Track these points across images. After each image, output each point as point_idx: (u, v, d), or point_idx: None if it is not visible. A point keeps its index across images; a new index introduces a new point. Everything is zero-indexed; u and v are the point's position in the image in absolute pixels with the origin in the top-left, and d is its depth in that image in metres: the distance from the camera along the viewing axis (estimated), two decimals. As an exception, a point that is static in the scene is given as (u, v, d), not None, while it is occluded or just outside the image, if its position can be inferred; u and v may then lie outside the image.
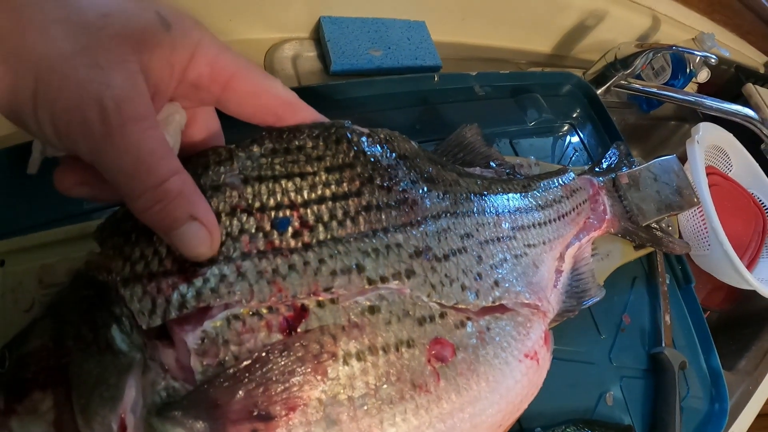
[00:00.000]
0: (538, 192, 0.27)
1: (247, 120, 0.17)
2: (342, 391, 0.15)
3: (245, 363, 0.14)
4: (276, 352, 0.14)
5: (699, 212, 0.44)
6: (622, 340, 0.32)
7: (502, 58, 0.45)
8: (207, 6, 0.33)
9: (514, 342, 0.20)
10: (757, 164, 0.52)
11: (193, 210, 0.14)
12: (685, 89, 0.49)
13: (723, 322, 0.54)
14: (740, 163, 0.52)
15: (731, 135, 0.48)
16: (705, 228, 0.44)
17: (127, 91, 0.12)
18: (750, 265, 0.49)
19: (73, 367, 0.14)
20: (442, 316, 0.18)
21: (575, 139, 0.40)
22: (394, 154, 0.19)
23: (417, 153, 0.21)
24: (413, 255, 0.18)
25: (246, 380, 0.14)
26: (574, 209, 0.29)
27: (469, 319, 0.19)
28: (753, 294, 0.45)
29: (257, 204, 0.16)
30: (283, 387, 0.14)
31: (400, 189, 0.19)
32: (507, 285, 0.21)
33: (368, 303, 0.16)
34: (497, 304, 0.20)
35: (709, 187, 0.48)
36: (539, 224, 0.26)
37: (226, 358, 0.14)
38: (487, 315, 0.20)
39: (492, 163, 0.28)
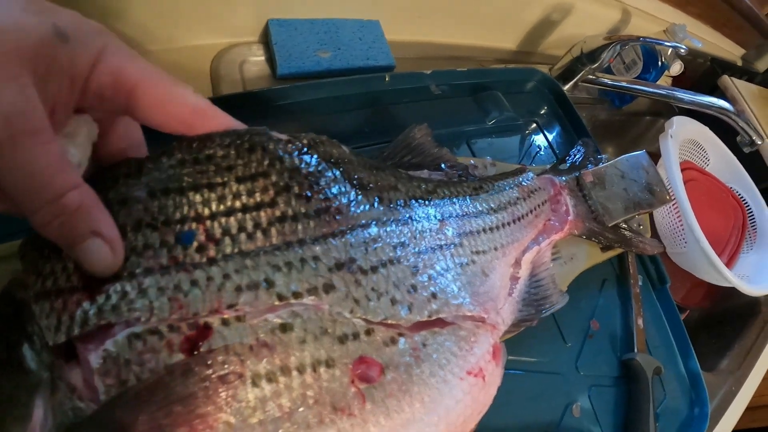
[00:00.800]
0: (491, 194, 0.28)
1: (158, 129, 0.17)
2: (253, 414, 0.15)
3: (146, 384, 0.14)
4: (177, 373, 0.14)
5: (674, 209, 0.45)
6: (591, 347, 0.32)
7: (465, 56, 0.46)
8: (151, 12, 0.33)
9: (454, 359, 0.19)
10: (735, 158, 0.53)
11: (95, 225, 0.14)
12: (657, 82, 0.50)
13: (704, 320, 0.55)
14: (718, 157, 0.53)
15: (707, 128, 0.49)
16: (681, 225, 0.44)
17: (18, 106, 0.12)
18: (730, 262, 0.50)
19: None
20: (368, 333, 0.18)
21: (540, 137, 0.40)
22: (316, 161, 0.19)
23: (347, 158, 0.21)
24: (333, 268, 0.17)
25: (148, 402, 0.14)
26: (531, 211, 0.29)
27: (401, 335, 0.19)
28: (734, 291, 0.45)
29: (162, 218, 0.16)
30: (186, 410, 0.14)
31: (322, 197, 0.18)
32: (447, 297, 0.21)
33: (279, 321, 0.16)
34: (434, 318, 0.20)
35: (686, 182, 0.49)
36: (490, 229, 0.26)
37: (129, 378, 0.14)
38: (423, 330, 0.19)
39: (442, 165, 0.28)
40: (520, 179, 0.30)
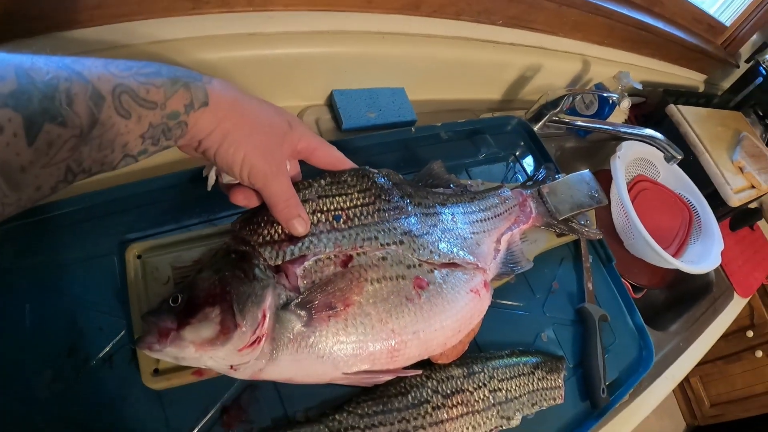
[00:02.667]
0: (481, 200, 0.53)
1: (318, 167, 0.42)
2: (371, 297, 0.39)
3: (324, 281, 0.38)
4: (338, 275, 0.39)
5: (623, 211, 0.70)
6: (553, 299, 0.56)
7: (464, 107, 0.72)
8: (252, 82, 0.59)
9: (462, 283, 0.44)
10: (681, 170, 0.78)
11: (298, 212, 0.39)
12: (610, 117, 0.77)
13: (666, 297, 0.79)
14: (666, 170, 0.79)
15: (653, 148, 0.75)
16: (629, 222, 0.69)
17: (281, 162, 0.38)
18: (679, 251, 0.74)
19: (234, 290, 0.37)
20: (420, 265, 0.42)
21: (517, 164, 0.66)
22: (390, 182, 0.45)
23: (403, 181, 0.46)
24: (403, 233, 0.42)
25: (324, 289, 0.38)
26: (506, 211, 0.54)
27: (435, 269, 0.43)
28: (690, 275, 0.69)
29: (324, 208, 0.41)
30: (342, 292, 0.38)
31: (395, 200, 0.44)
32: (457, 252, 0.45)
33: (381, 255, 0.41)
34: (451, 262, 0.44)
35: (639, 192, 0.75)
36: (480, 220, 0.51)
37: (315, 279, 0.38)
38: (446, 268, 0.44)
39: (451, 185, 0.54)
40: (499, 192, 0.55)
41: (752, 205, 0.98)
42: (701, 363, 1.45)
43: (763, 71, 0.97)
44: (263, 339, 0.34)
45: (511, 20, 0.67)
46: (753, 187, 0.82)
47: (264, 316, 0.34)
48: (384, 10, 0.58)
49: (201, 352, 0.33)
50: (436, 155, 0.57)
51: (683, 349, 0.67)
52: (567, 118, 0.71)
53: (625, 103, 0.77)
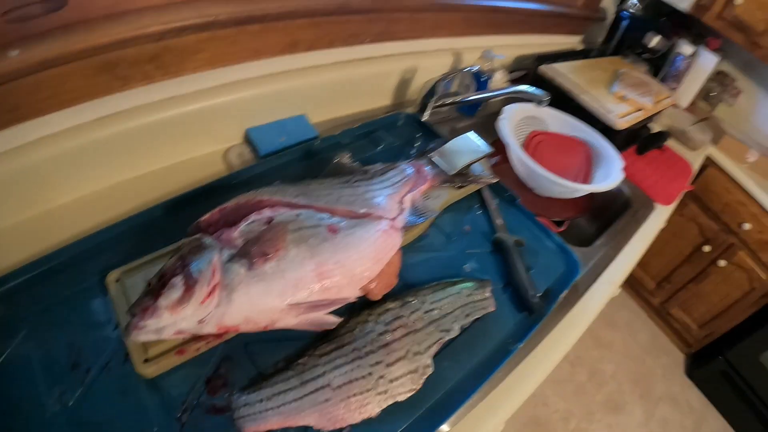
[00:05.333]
0: (384, 173, 0.76)
1: None
2: (294, 241, 0.59)
3: (256, 235, 0.59)
4: (266, 231, 0.59)
5: (521, 161, 0.94)
6: (468, 239, 0.78)
7: (363, 118, 0.97)
8: (177, 137, 0.82)
9: (369, 225, 0.65)
10: (568, 116, 1.05)
11: None
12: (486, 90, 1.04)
13: (589, 224, 1.01)
14: (554, 120, 1.05)
15: (531, 106, 1.01)
16: (527, 171, 0.93)
17: None
18: (586, 180, 0.98)
19: (189, 260, 0.57)
20: (330, 218, 0.63)
21: (414, 149, 0.90)
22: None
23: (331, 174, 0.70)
24: (311, 201, 0.64)
25: (256, 241, 0.58)
26: (403, 178, 0.77)
27: (343, 219, 0.65)
28: (610, 199, 0.92)
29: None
30: (270, 242, 0.59)
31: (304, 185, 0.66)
32: (368, 207, 0.67)
33: (295, 213, 0.62)
34: (363, 212, 0.66)
35: (537, 144, 1.00)
36: (384, 187, 0.74)
37: (249, 237, 0.59)
38: (359, 218, 0.66)
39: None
40: (396, 166, 0.79)
41: (656, 130, 1.25)
42: (676, 291, 1.73)
43: (626, 14, 1.29)
44: (217, 287, 0.54)
45: (379, 36, 0.95)
46: (640, 109, 1.09)
47: (214, 270, 0.55)
48: (269, 55, 0.85)
49: (174, 314, 0.53)
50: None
51: (613, 256, 0.89)
52: (448, 100, 0.97)
53: (498, 76, 1.05)
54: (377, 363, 0.57)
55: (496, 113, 0.99)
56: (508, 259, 0.76)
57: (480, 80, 1.04)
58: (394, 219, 0.70)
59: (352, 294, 0.62)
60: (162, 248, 0.67)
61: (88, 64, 0.66)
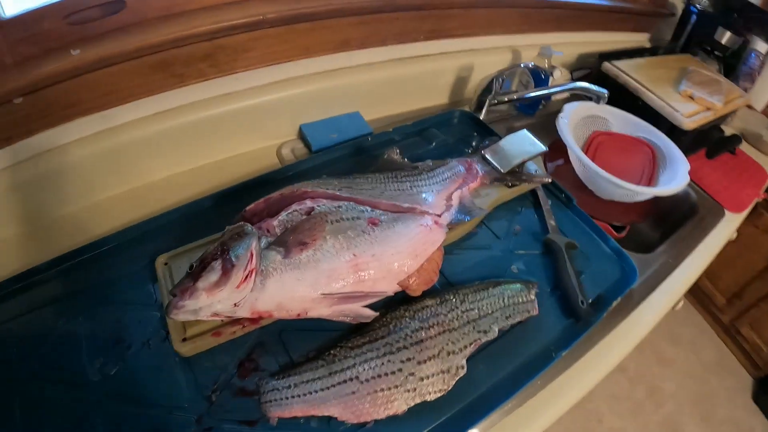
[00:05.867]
0: (432, 170, 0.72)
1: None
2: (333, 232, 0.57)
3: (294, 225, 0.57)
4: (304, 221, 0.58)
5: (581, 163, 0.86)
6: (518, 239, 0.73)
7: (418, 117, 0.94)
8: (230, 133, 0.83)
9: (411, 220, 0.62)
10: (632, 115, 0.96)
11: None
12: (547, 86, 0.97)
13: (652, 230, 0.92)
14: (618, 119, 0.96)
15: (599, 105, 0.93)
16: (588, 171, 0.85)
17: None
18: (650, 182, 0.89)
19: (229, 246, 0.56)
20: (372, 211, 0.61)
21: (469, 148, 0.86)
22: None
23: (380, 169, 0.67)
24: (355, 193, 0.62)
25: (294, 230, 0.57)
26: (452, 175, 0.73)
27: (384, 213, 0.62)
28: (677, 203, 0.83)
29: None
30: (308, 231, 0.57)
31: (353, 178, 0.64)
32: (411, 202, 0.64)
33: (336, 204, 0.60)
34: (405, 206, 0.63)
35: (597, 145, 0.92)
36: (432, 183, 0.70)
37: (288, 227, 0.57)
38: (394, 213, 0.62)
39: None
40: (446, 162, 0.75)
41: (729, 133, 1.12)
42: (748, 309, 1.55)
43: (695, 9, 1.17)
44: (253, 273, 0.53)
45: (431, 33, 0.92)
46: (709, 109, 0.98)
47: (251, 256, 0.53)
48: (320, 53, 0.84)
49: (211, 297, 0.52)
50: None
51: (675, 265, 0.79)
52: (505, 98, 0.91)
53: (558, 74, 0.98)
54: (408, 360, 0.54)
55: (557, 113, 0.92)
56: (558, 262, 0.70)
57: (539, 78, 0.97)
58: (439, 215, 0.66)
59: (388, 288, 0.59)
60: (210, 235, 0.67)
61: (144, 63, 0.68)
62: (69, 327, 0.59)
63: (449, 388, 0.53)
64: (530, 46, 1.03)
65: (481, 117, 0.93)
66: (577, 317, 0.64)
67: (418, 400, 0.52)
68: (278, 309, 0.54)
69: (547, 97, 0.96)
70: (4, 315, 0.59)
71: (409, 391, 0.52)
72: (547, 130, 1.00)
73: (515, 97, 0.92)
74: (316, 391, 0.53)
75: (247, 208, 0.62)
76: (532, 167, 0.80)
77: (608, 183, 0.81)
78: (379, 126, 0.90)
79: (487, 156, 0.77)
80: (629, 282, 0.70)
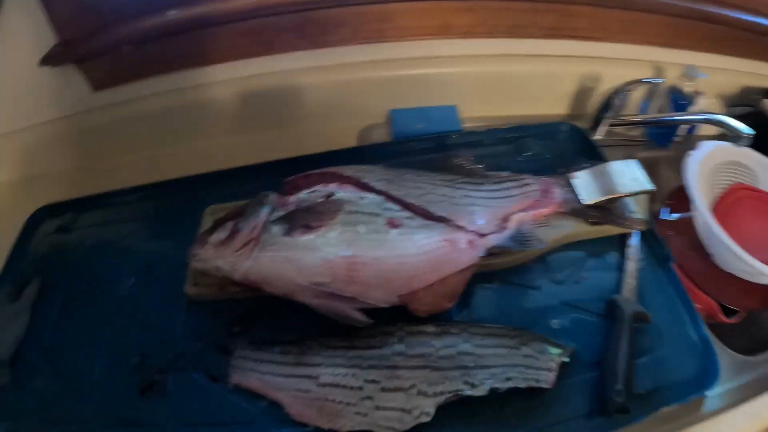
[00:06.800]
0: (498, 182, 0.60)
1: None
2: (342, 223, 0.50)
3: (307, 205, 0.52)
4: (319, 203, 0.52)
5: (703, 219, 0.64)
6: (579, 289, 0.57)
7: (521, 122, 0.78)
8: (324, 107, 0.80)
9: (437, 232, 0.52)
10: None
11: None
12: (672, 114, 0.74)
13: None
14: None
15: (747, 150, 0.68)
16: (710, 231, 0.63)
17: None
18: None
19: (245, 211, 0.53)
20: (399, 210, 0.52)
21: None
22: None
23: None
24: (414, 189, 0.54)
25: (304, 210, 0.51)
26: (521, 194, 0.60)
27: (412, 216, 0.53)
28: None
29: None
30: (318, 216, 0.51)
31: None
32: (449, 213, 0.54)
33: (361, 195, 0.53)
34: (438, 215, 0.53)
35: (735, 200, 0.68)
36: (489, 197, 0.58)
37: (302, 204, 0.52)
38: (423, 218, 0.53)
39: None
40: (521, 178, 0.61)
41: None
42: None
43: None
44: (253, 242, 0.50)
45: (550, 31, 0.75)
46: None
47: (256, 226, 0.51)
48: (417, 36, 0.75)
49: (215, 253, 0.51)
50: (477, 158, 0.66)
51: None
52: (627, 118, 0.72)
53: (703, 102, 0.73)
54: (373, 381, 0.46)
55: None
56: (614, 332, 0.52)
57: (676, 102, 0.74)
58: (482, 236, 0.55)
59: (383, 298, 0.50)
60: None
61: (236, 29, 0.68)
62: (122, 245, 0.64)
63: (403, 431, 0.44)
64: (673, 64, 0.78)
65: (596, 137, 0.75)
66: (605, 409, 0.47)
67: (364, 428, 0.44)
68: (265, 283, 0.51)
69: (690, 128, 0.73)
70: (88, 221, 0.68)
71: (359, 414, 0.44)
72: (671, 167, 0.78)
73: (637, 119, 0.71)
74: (277, 375, 0.49)
75: (288, 178, 0.59)
76: (631, 207, 0.62)
77: (730, 253, 0.59)
78: (474, 125, 0.78)
79: (574, 181, 0.62)
80: (702, 386, 0.50)
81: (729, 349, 0.52)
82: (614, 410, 0.46)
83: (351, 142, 0.80)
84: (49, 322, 0.57)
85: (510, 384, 0.46)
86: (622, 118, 0.73)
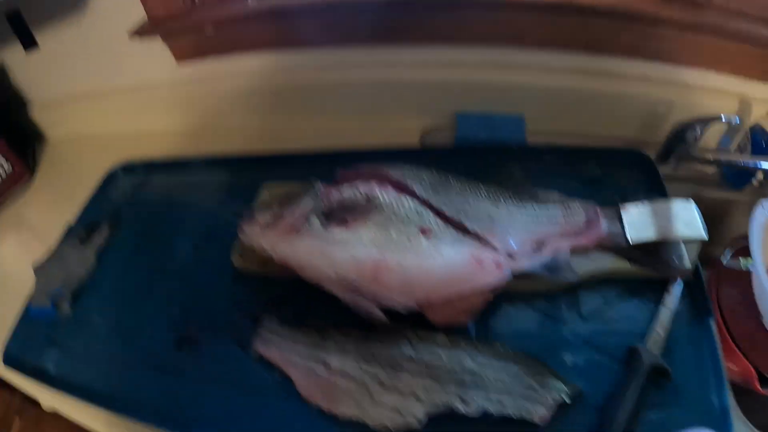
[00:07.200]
0: (542, 204, 0.59)
1: None
2: (376, 224, 0.53)
3: (348, 203, 0.55)
4: (359, 202, 0.54)
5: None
6: (602, 329, 0.54)
7: (587, 142, 0.73)
8: (383, 106, 0.82)
9: (467, 246, 0.53)
10: None
11: None
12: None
13: None
14: None
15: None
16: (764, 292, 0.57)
17: None
18: None
19: (292, 198, 0.57)
20: (434, 217, 0.54)
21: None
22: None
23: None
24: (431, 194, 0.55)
25: (344, 208, 0.54)
26: (565, 221, 0.58)
27: (445, 226, 0.54)
28: None
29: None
30: (355, 214, 0.54)
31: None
32: (482, 228, 0.54)
33: (401, 198, 0.55)
34: (471, 229, 0.54)
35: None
36: (529, 218, 0.57)
37: (345, 199, 0.55)
38: (457, 231, 0.54)
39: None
40: (568, 203, 0.59)
41: None
42: None
43: None
44: (293, 229, 0.54)
45: (628, 49, 0.69)
46: None
47: (298, 215, 0.55)
48: (489, 43, 0.73)
49: (261, 233, 0.56)
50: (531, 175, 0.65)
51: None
52: (701, 154, 0.66)
53: None
54: (374, 377, 0.49)
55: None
56: (626, 381, 0.49)
57: (758, 142, 0.66)
58: (511, 257, 0.55)
59: (402, 302, 0.52)
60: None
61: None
62: (187, 209, 0.72)
63: (392, 430, 0.46)
64: (761, 100, 0.69)
65: (664, 170, 0.70)
66: None
67: (359, 418, 0.47)
68: (299, 269, 0.55)
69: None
70: (160, 182, 0.76)
71: (357, 404, 0.48)
72: (743, 213, 0.71)
73: (711, 157, 0.65)
74: (295, 353, 0.53)
75: (342, 171, 0.62)
76: (679, 251, 0.58)
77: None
78: (537, 139, 0.76)
79: (624, 214, 0.58)
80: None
81: (750, 424, 0.48)
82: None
83: (414, 139, 0.81)
84: (110, 269, 0.66)
85: (502, 410, 0.46)
86: (695, 152, 0.67)
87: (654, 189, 0.66)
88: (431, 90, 0.79)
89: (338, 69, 0.78)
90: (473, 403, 0.46)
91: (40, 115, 0.96)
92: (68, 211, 0.73)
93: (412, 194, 0.56)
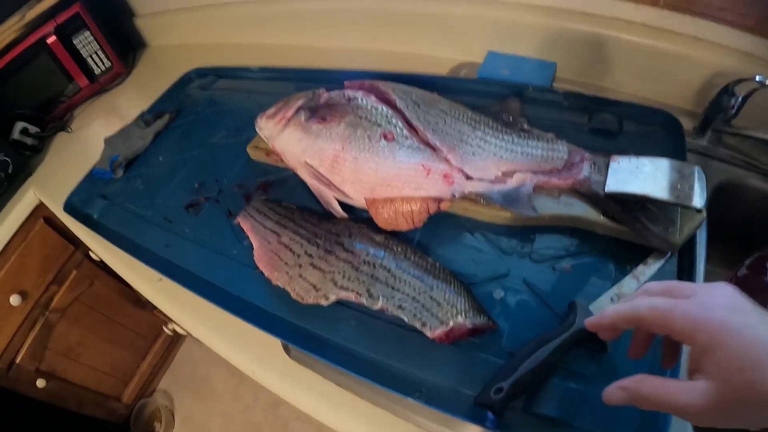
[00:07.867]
0: (525, 136, 0.56)
1: None
2: (347, 123, 0.56)
3: (330, 102, 0.59)
4: (339, 103, 0.58)
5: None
6: (551, 278, 0.49)
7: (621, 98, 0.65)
8: (427, 31, 0.83)
9: (420, 155, 0.53)
10: None
11: None
12: None
13: None
14: None
15: None
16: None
17: None
18: None
19: (295, 98, 0.63)
20: (402, 130, 0.55)
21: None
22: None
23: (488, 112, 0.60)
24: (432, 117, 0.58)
25: (325, 106, 0.59)
26: (541, 157, 0.54)
27: (409, 138, 0.55)
28: None
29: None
30: (333, 113, 0.58)
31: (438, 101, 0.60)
32: (442, 143, 0.54)
33: (377, 104, 0.57)
34: (431, 142, 0.54)
35: None
36: (503, 147, 0.55)
37: (331, 101, 0.60)
38: (419, 142, 0.55)
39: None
40: (556, 141, 0.56)
41: None
42: None
43: None
44: (283, 120, 0.61)
45: (681, 3, 0.60)
46: None
47: (291, 108, 0.62)
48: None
49: (265, 123, 0.64)
50: (539, 115, 0.63)
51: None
52: (734, 128, 0.55)
53: None
54: (309, 255, 0.54)
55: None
56: (549, 335, 0.44)
57: None
58: (468, 177, 0.55)
59: (352, 195, 0.57)
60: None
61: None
62: (233, 108, 0.85)
63: (301, 297, 0.51)
64: None
65: (702, 141, 0.60)
66: (476, 398, 0.43)
67: (285, 286, 0.52)
68: (282, 154, 0.62)
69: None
70: (222, 85, 0.90)
71: (287, 274, 0.53)
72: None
73: (752, 134, 0.54)
74: (261, 225, 0.60)
75: (348, 82, 0.65)
76: (672, 219, 0.50)
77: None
78: (566, 87, 0.69)
79: (613, 164, 0.52)
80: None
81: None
82: (479, 403, 0.42)
83: (445, 70, 0.82)
84: (160, 147, 0.80)
85: (398, 312, 0.46)
86: (733, 126, 0.57)
87: (675, 155, 0.58)
88: (466, 26, 0.80)
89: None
90: (379, 300, 0.47)
91: (143, 24, 1.18)
92: (148, 103, 0.90)
93: (390, 104, 0.58)
